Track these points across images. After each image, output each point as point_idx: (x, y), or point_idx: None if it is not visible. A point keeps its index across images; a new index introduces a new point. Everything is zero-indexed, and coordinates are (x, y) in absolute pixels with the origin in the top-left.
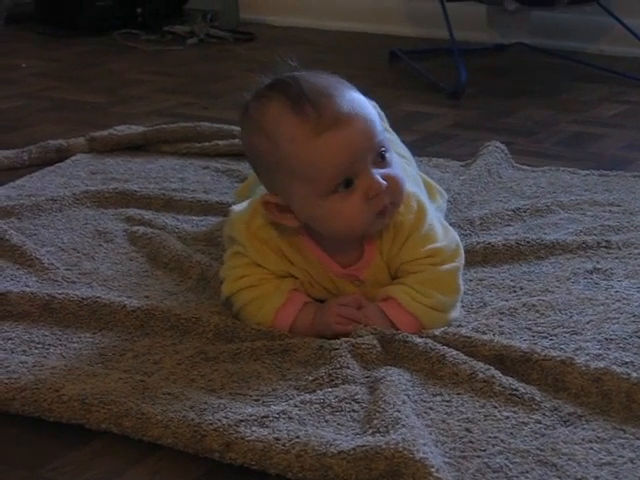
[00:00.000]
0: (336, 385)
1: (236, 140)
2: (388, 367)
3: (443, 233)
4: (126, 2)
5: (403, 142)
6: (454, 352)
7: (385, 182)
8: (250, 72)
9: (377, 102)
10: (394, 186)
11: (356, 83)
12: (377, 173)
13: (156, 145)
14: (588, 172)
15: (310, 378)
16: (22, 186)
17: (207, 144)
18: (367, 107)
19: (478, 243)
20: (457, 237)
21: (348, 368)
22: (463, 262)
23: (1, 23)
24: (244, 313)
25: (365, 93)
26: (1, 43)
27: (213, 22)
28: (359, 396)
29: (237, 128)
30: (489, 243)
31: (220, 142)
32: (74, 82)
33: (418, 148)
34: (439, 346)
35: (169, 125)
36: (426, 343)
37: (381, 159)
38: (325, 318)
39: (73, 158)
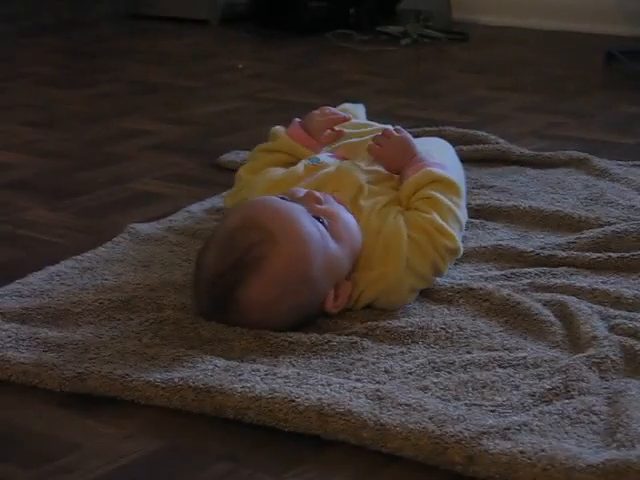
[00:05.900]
0: (572, 396)
1: (480, 145)
2: (628, 380)
3: None
4: (339, 3)
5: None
6: None
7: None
8: (466, 73)
9: (593, 104)
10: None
11: (571, 84)
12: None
13: None
14: None
15: (547, 386)
16: None
17: None
18: (292, 230)
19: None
20: None
21: (583, 381)
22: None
23: (215, 24)
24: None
25: (580, 95)
26: (217, 44)
27: (426, 22)
28: (597, 407)
29: (481, 133)
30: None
31: (464, 147)
32: (291, 83)
33: (636, 152)
34: None
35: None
36: None
37: None
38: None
39: None
